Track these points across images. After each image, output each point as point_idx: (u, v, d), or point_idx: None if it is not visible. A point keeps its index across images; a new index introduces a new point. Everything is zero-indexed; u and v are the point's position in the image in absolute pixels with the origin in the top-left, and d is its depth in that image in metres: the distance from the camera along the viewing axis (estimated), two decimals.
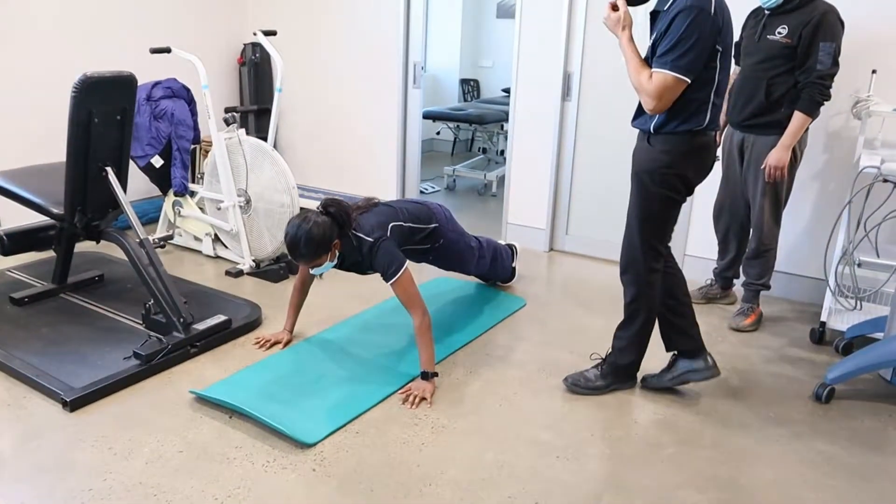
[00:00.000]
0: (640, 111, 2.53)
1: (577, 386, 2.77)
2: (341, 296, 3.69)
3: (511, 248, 4.00)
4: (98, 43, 4.46)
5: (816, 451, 2.47)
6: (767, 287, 3.58)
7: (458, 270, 3.54)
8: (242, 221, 3.97)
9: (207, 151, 4.47)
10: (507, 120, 6.25)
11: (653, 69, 2.36)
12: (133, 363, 2.78)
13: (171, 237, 4.28)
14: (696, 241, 4.18)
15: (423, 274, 4.05)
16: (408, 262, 2.79)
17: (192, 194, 4.25)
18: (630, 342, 2.73)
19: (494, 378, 2.89)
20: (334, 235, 2.69)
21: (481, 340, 3.24)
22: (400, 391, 2.73)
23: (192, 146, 4.23)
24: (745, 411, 2.71)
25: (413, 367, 2.91)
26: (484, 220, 5.19)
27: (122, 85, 2.98)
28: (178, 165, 4.13)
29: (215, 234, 4.19)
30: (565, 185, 4.56)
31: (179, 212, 4.23)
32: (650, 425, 2.59)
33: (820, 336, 3.37)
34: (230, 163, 3.93)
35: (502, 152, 6.74)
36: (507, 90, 7.49)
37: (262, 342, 3.09)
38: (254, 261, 3.97)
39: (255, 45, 5.37)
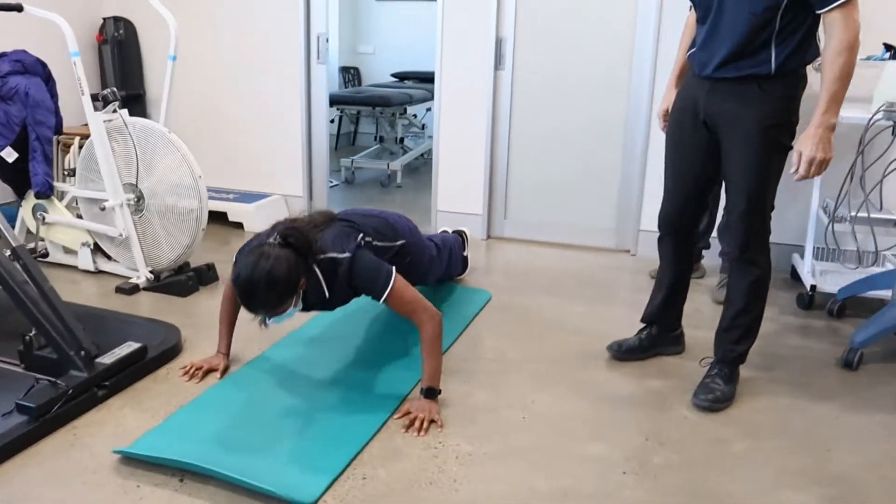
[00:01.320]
0: (736, 52, 2.04)
1: (718, 402, 2.27)
2: None
3: (461, 234, 3.49)
4: None
5: (880, 424, 2.18)
6: None
7: (420, 284, 2.98)
8: (133, 224, 3.15)
9: (68, 146, 3.59)
10: (411, 102, 5.77)
11: (825, 9, 1.92)
12: (17, 420, 1.97)
13: (33, 251, 3.36)
14: (650, 216, 3.89)
15: None
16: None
17: (61, 196, 3.37)
18: (750, 327, 2.32)
19: (499, 385, 2.37)
20: (300, 272, 2.04)
21: (462, 344, 2.70)
22: (395, 417, 2.14)
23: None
24: (784, 388, 2.40)
25: (398, 384, 2.33)
26: None
27: None
28: (38, 159, 3.24)
29: (95, 244, 3.33)
30: (501, 164, 4.11)
31: (44, 218, 3.33)
32: (702, 419, 2.19)
33: (809, 301, 3.16)
34: (113, 152, 3.11)
35: (402, 140, 6.20)
36: (397, 75, 6.97)
37: (191, 371, 2.36)
38: (151, 272, 3.17)
39: (118, 20, 4.48)
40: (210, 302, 3.02)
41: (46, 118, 3.26)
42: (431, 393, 2.16)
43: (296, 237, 2.04)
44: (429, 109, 6.34)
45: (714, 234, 3.45)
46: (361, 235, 2.26)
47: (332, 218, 2.34)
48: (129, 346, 2.35)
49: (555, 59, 3.89)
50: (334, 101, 5.41)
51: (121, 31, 4.47)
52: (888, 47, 3.09)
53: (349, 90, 6.08)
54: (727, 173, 2.20)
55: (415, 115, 6.34)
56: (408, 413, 2.13)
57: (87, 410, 2.13)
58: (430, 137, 6.70)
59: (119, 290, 3.10)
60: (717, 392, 2.28)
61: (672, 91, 3.34)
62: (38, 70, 3.31)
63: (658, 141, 3.77)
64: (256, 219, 4.11)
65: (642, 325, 2.63)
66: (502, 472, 1.89)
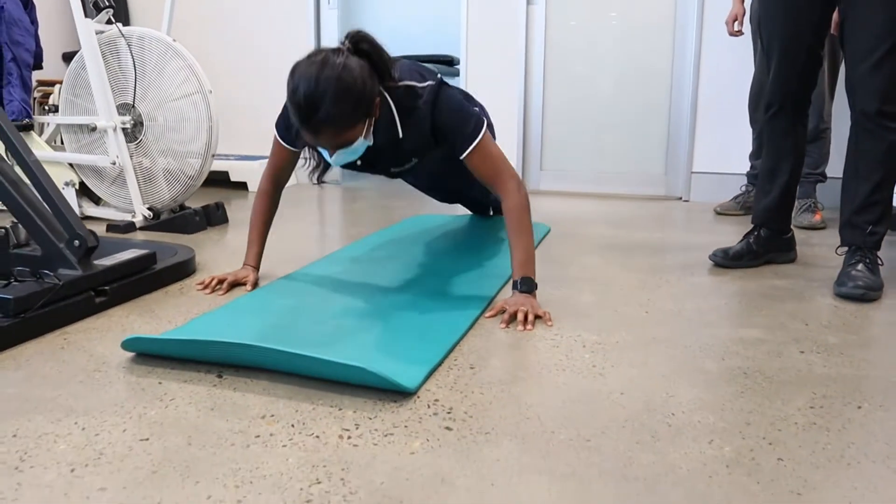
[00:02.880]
0: None
1: (871, 290, 1.83)
2: (300, 237, 2.54)
3: None
4: None
5: None
6: (824, 178, 2.96)
7: (461, 195, 2.57)
8: (129, 153, 2.66)
9: (47, 97, 3.14)
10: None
11: None
12: None
13: None
14: (702, 155, 3.50)
15: (387, 212, 2.99)
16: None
17: (40, 130, 2.87)
18: (889, 205, 1.93)
19: (603, 289, 1.90)
20: (375, 88, 1.59)
21: (540, 260, 2.23)
22: (488, 315, 1.66)
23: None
24: None
25: (483, 286, 1.86)
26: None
27: None
28: (14, 83, 2.76)
29: (80, 183, 2.82)
30: (535, 109, 3.70)
31: None
32: (858, 308, 1.74)
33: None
34: (106, 67, 2.63)
35: None
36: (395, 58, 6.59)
37: (211, 285, 1.86)
38: (149, 209, 2.67)
39: None
40: (221, 241, 2.53)
41: (25, 39, 2.79)
42: (528, 284, 1.69)
43: (370, 44, 1.58)
44: None
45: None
46: (439, 76, 1.81)
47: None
48: (134, 252, 1.84)
49: None
50: None
51: None
52: None
53: None
54: (860, 11, 1.81)
55: None
56: (503, 311, 1.65)
57: (83, 318, 1.62)
58: None
59: (112, 227, 2.59)
60: (868, 279, 1.85)
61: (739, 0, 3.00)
62: None
63: (709, 77, 3.41)
64: None
65: (749, 229, 2.21)
66: (652, 358, 1.41)
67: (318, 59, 1.51)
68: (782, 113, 2.07)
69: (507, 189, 1.71)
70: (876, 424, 1.14)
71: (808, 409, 1.19)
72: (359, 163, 1.83)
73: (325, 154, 1.63)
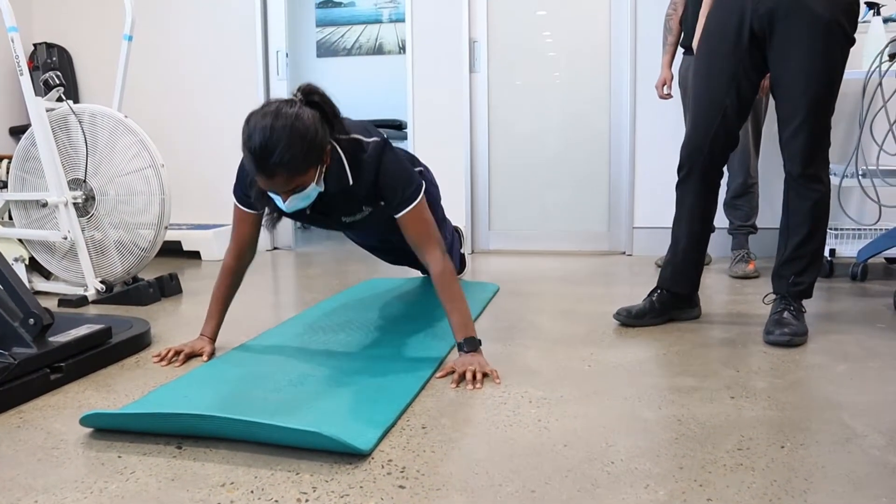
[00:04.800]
0: None
1: (797, 336, 1.97)
2: (255, 305, 2.57)
3: (456, 230, 3.17)
4: None
5: None
6: (755, 230, 3.15)
7: (407, 254, 2.62)
8: (80, 227, 2.68)
9: None
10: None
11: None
12: None
13: None
14: (643, 211, 3.68)
15: (340, 277, 3.05)
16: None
17: None
18: (815, 255, 2.07)
19: (545, 345, 1.99)
20: (327, 136, 1.68)
21: (486, 320, 2.33)
22: (438, 376, 1.73)
23: None
24: (846, 327, 2.11)
25: (431, 349, 1.94)
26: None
27: None
28: None
29: (30, 259, 2.82)
30: (482, 170, 3.86)
31: None
32: (785, 353, 1.87)
33: (830, 269, 2.97)
34: (56, 143, 2.67)
35: None
36: None
37: (167, 357, 1.89)
38: (102, 282, 2.68)
39: (50, 46, 4.11)
40: (176, 312, 2.55)
41: None
42: (472, 343, 1.77)
43: (321, 97, 1.68)
44: None
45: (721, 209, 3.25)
46: (385, 136, 1.91)
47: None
48: (89, 327, 1.87)
49: (530, 57, 3.74)
50: None
51: (53, 59, 4.09)
52: (870, 5, 3.05)
53: None
54: (782, 80, 1.98)
55: None
56: (453, 370, 1.72)
57: (38, 395, 1.63)
58: None
59: (64, 302, 2.59)
60: (793, 326, 1.98)
61: (667, 66, 3.22)
62: None
63: (644, 135, 3.62)
64: (216, 246, 3.67)
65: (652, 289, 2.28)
66: (594, 410, 1.50)
67: (272, 110, 1.60)
68: (690, 178, 2.15)
69: (433, 256, 1.80)
70: (797, 462, 1.24)
71: (736, 451, 1.28)
72: (309, 211, 1.87)
73: (279, 201, 1.70)
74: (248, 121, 1.62)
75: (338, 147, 1.77)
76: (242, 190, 1.89)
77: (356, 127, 1.86)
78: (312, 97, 1.68)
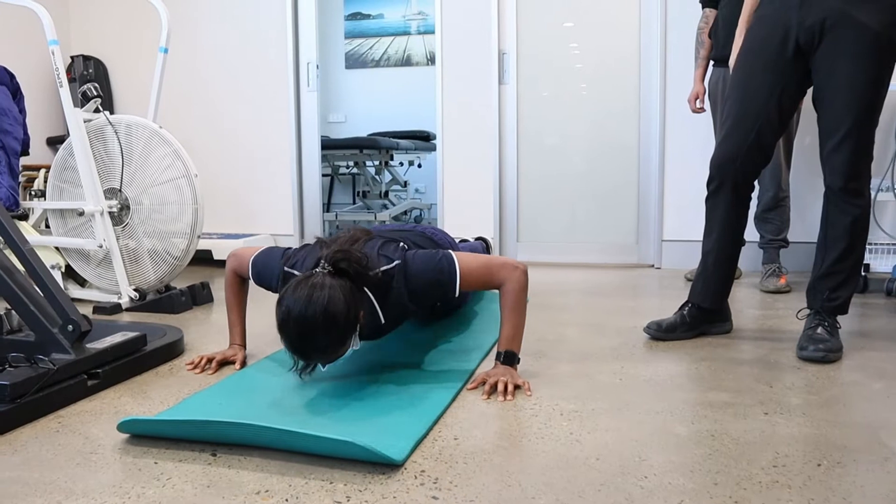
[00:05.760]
0: None
1: (831, 352, 1.94)
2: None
3: (483, 241, 3.18)
4: None
5: None
6: (786, 244, 3.11)
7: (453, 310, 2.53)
8: (115, 236, 2.74)
9: (31, 182, 3.23)
10: (398, 148, 5.55)
11: None
12: None
13: None
14: (672, 224, 3.65)
15: None
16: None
17: (26, 216, 2.94)
18: (853, 271, 2.04)
19: (577, 358, 1.98)
20: (358, 303, 1.60)
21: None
22: (469, 387, 1.73)
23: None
24: (883, 344, 2.08)
25: (463, 361, 1.94)
26: None
27: None
28: (2, 171, 2.84)
29: (66, 266, 2.88)
30: (510, 182, 3.86)
31: None
32: (820, 369, 1.84)
33: (864, 284, 2.92)
34: (93, 153, 2.73)
35: (386, 194, 5.93)
36: (375, 134, 6.80)
37: (200, 364, 1.92)
38: (135, 290, 2.73)
39: (87, 59, 4.21)
40: (207, 320, 2.58)
41: (13, 128, 2.89)
42: (511, 358, 1.77)
43: (348, 262, 1.60)
44: (412, 163, 6.13)
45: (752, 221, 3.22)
46: (402, 244, 1.85)
47: (369, 233, 1.88)
48: (125, 334, 1.90)
49: (558, 71, 3.75)
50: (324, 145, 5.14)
51: (90, 70, 4.18)
52: None
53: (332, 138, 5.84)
54: (827, 91, 1.95)
55: (401, 164, 6.13)
56: (484, 381, 1.72)
57: (76, 401, 1.66)
58: (417, 191, 6.49)
59: (98, 309, 2.64)
60: (828, 342, 1.95)
61: (700, 80, 3.20)
62: (6, 79, 2.98)
63: (674, 148, 3.60)
64: None
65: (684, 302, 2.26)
66: (625, 423, 1.49)
67: (304, 295, 1.52)
68: (720, 191, 2.13)
69: (502, 278, 1.76)
70: (834, 480, 1.22)
71: (771, 468, 1.27)
72: None
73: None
74: (280, 303, 1.55)
75: (369, 293, 1.70)
76: (263, 274, 1.88)
77: (376, 258, 1.74)
78: (340, 265, 1.59)
